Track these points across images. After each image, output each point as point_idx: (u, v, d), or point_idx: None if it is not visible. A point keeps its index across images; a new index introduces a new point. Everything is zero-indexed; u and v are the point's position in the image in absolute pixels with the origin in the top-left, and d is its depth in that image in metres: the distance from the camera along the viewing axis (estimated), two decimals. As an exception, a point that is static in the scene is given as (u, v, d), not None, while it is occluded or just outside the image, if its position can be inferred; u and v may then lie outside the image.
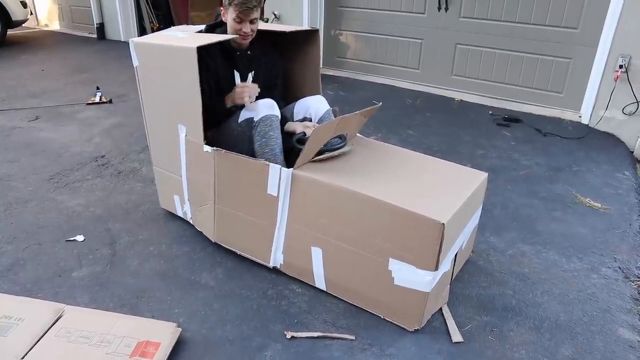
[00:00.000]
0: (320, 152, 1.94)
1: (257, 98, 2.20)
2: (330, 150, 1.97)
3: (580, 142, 3.54)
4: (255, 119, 2.02)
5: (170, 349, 1.59)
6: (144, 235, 2.30)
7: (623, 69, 3.53)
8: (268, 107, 2.04)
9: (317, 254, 1.87)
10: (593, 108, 3.80)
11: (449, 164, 2.07)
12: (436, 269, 1.62)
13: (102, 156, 3.16)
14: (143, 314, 1.79)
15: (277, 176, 1.85)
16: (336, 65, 5.35)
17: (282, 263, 1.99)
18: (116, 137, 3.49)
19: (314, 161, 1.92)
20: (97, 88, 4.44)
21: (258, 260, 2.05)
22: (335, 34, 5.25)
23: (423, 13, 4.63)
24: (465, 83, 4.61)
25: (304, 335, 1.71)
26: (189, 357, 1.62)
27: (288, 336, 1.71)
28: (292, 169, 1.84)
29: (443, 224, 1.55)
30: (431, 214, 1.58)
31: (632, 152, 3.45)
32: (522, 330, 1.77)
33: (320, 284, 1.92)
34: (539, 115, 4.08)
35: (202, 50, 1.97)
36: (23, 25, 7.00)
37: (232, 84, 2.19)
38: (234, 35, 2.08)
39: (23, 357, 1.49)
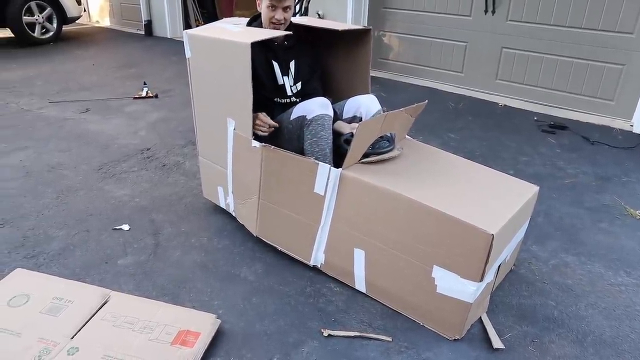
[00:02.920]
0: (367, 155, 1.93)
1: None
2: (378, 154, 1.94)
3: (631, 152, 3.40)
4: (308, 117, 2.01)
5: (210, 339, 1.62)
6: (186, 227, 2.36)
7: (681, 78, 3.39)
8: (322, 106, 2.02)
9: (359, 255, 1.86)
10: (646, 117, 3.66)
11: (500, 174, 2.02)
12: (481, 280, 1.59)
13: (148, 149, 3.26)
14: (184, 304, 1.84)
15: (325, 176, 1.84)
16: (378, 66, 5.33)
17: (322, 262, 2.00)
18: (161, 131, 3.59)
19: (362, 163, 1.91)
20: (144, 83, 4.58)
21: (298, 258, 2.07)
22: (379, 34, 5.24)
23: (469, 15, 4.56)
24: (510, 88, 4.51)
25: (340, 334, 1.72)
26: (228, 349, 1.65)
27: (325, 334, 1.72)
28: (341, 169, 1.83)
29: (492, 235, 1.51)
30: (481, 224, 1.54)
31: (687, 164, 3.30)
32: (564, 343, 1.72)
33: (360, 286, 1.92)
34: (587, 122, 3.94)
35: None
36: (77, 21, 7.29)
37: (272, 74, 2.21)
38: (287, 32, 2.10)
39: (72, 337, 1.56)
